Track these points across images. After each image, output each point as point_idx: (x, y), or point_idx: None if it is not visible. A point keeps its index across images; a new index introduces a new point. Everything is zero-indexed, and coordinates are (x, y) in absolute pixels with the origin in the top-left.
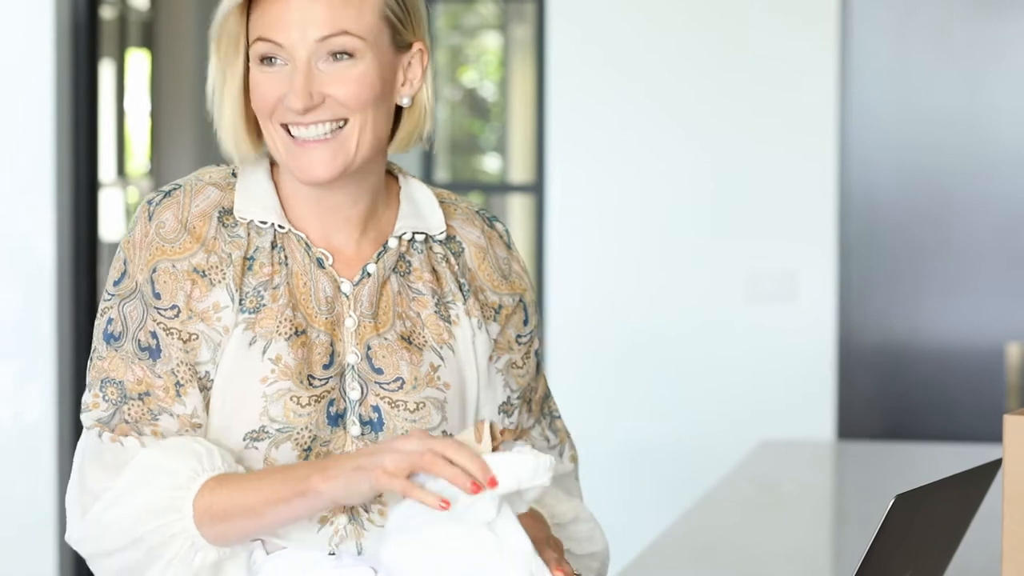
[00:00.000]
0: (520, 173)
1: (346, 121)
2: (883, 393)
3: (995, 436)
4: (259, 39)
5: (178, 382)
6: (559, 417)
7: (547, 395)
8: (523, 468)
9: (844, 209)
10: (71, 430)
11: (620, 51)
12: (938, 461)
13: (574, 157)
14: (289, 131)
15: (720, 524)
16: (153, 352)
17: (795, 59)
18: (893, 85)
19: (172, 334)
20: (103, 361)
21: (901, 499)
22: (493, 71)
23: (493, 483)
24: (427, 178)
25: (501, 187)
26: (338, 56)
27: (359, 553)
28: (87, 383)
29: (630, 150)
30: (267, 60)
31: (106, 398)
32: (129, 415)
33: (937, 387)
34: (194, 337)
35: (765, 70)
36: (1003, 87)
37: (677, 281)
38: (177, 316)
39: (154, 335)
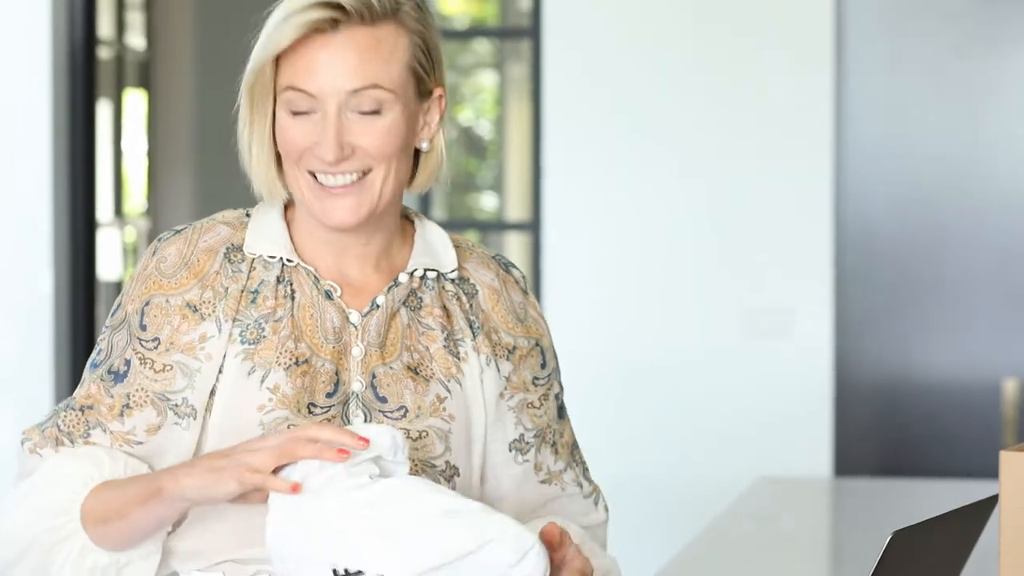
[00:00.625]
0: (516, 211)
1: (371, 169)
2: (880, 428)
3: (992, 472)
4: (290, 88)
5: (127, 404)
6: (588, 469)
7: (575, 444)
8: (382, 438)
9: (840, 244)
10: None
11: (616, 89)
12: (935, 497)
13: (570, 194)
14: (315, 176)
15: (719, 561)
16: (119, 376)
17: (790, 95)
18: (888, 120)
19: (146, 364)
20: (80, 387)
21: (898, 536)
22: (489, 109)
23: (365, 441)
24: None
25: (498, 225)
26: (369, 112)
27: None
28: None
29: (626, 187)
30: (297, 109)
31: (51, 413)
32: (63, 422)
33: (934, 422)
34: (168, 368)
35: (761, 106)
36: (998, 123)
37: (673, 317)
38: (156, 348)
39: (127, 362)
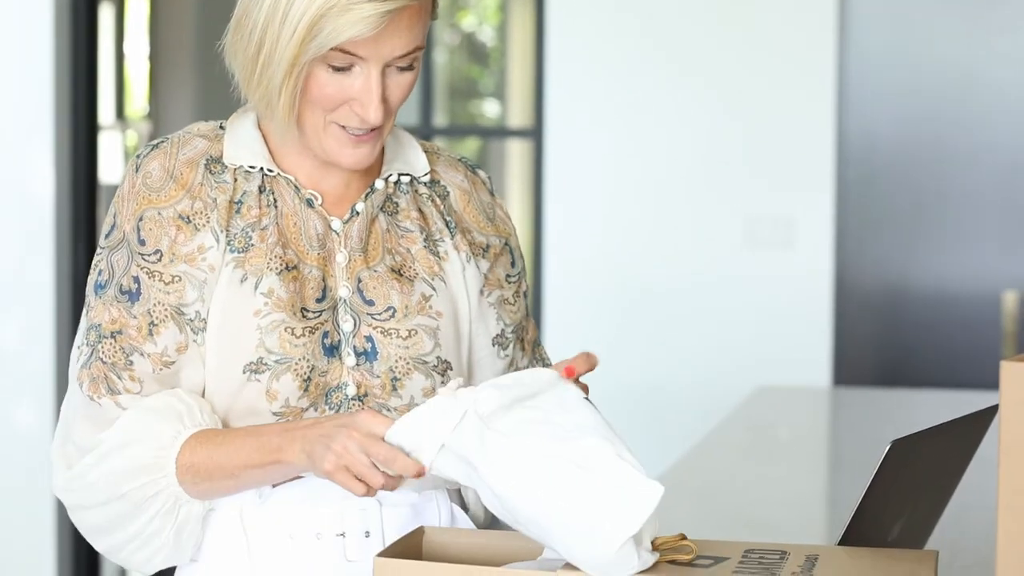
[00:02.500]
0: (518, 118)
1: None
2: (880, 340)
3: (991, 383)
4: (339, 49)
5: (152, 322)
6: (550, 364)
7: (538, 341)
8: (433, 414)
9: (842, 156)
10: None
11: None
12: (934, 407)
13: (573, 102)
14: (340, 124)
15: (717, 469)
16: (132, 295)
17: (794, 5)
18: (893, 31)
19: (154, 277)
20: (91, 311)
21: (897, 444)
22: (492, 15)
23: (421, 472)
24: (425, 123)
25: (499, 132)
26: (405, 68)
27: None
28: (76, 339)
29: (629, 95)
30: (337, 65)
31: (88, 343)
32: (104, 354)
33: (934, 334)
34: (177, 279)
35: (764, 18)
36: (1004, 35)
37: (675, 226)
38: (160, 260)
39: (136, 279)
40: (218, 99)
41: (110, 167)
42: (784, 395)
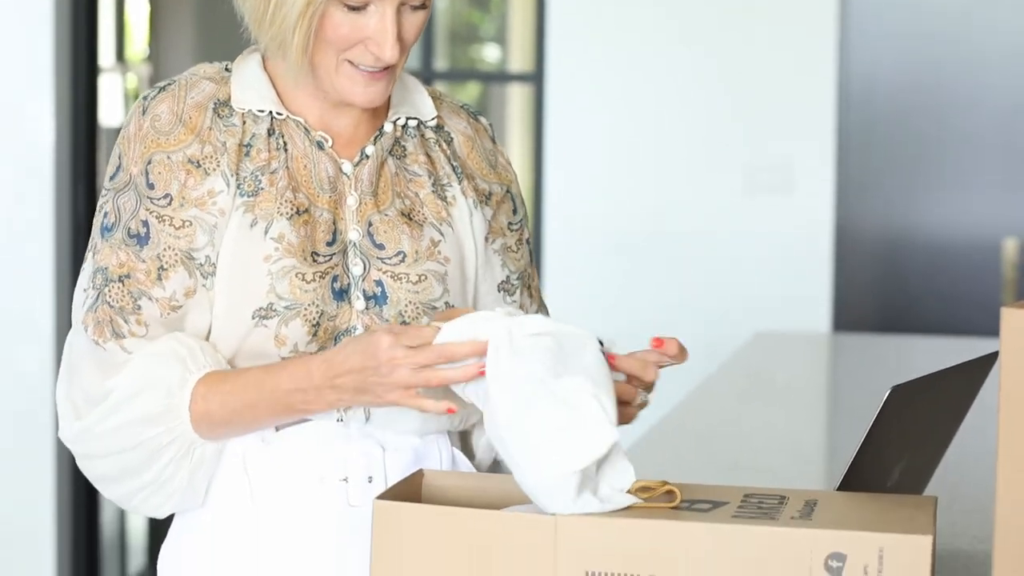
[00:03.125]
0: (519, 63)
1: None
2: (879, 286)
3: (990, 330)
4: None
5: (161, 266)
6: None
7: (539, 289)
8: (478, 322)
9: (843, 100)
10: (67, 312)
11: None
12: (934, 354)
13: (574, 46)
14: (353, 62)
15: (716, 414)
16: (141, 239)
17: None
18: None
19: (164, 221)
20: (97, 254)
21: (897, 390)
22: None
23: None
24: (426, 67)
25: (500, 76)
26: (418, 7)
27: (367, 419)
28: (79, 281)
29: (630, 39)
30: (353, 4)
31: (94, 286)
32: (111, 298)
33: (933, 281)
34: (187, 224)
35: None
36: None
37: (675, 171)
38: (170, 204)
39: (145, 223)
40: (218, 41)
41: (110, 109)
42: (783, 341)
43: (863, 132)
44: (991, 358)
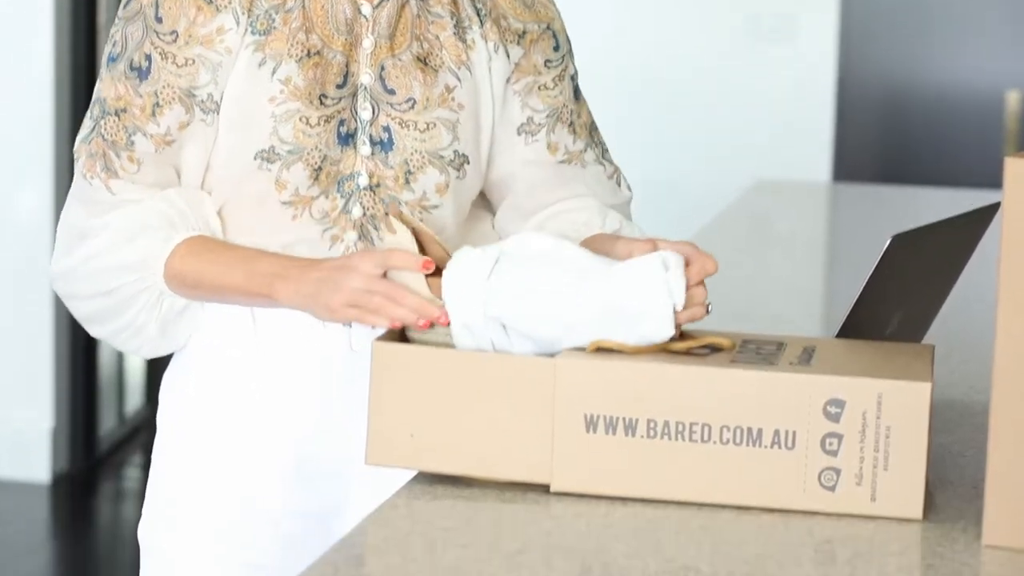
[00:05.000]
0: None
1: None
2: (881, 136)
3: (991, 182)
4: None
5: (157, 103)
6: (607, 150)
7: (594, 126)
8: (472, 262)
9: None
10: (68, 148)
11: None
12: (935, 205)
13: None
14: None
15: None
16: (142, 72)
17: None
18: None
19: (167, 58)
20: (101, 82)
21: (898, 238)
22: None
23: (445, 322)
24: None
25: None
26: None
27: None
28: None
29: None
30: None
31: (91, 117)
32: (106, 131)
33: (935, 132)
34: (190, 62)
35: None
36: None
37: (678, 19)
38: (175, 41)
39: (148, 57)
40: None
41: None
42: (784, 189)
43: None
44: (992, 209)
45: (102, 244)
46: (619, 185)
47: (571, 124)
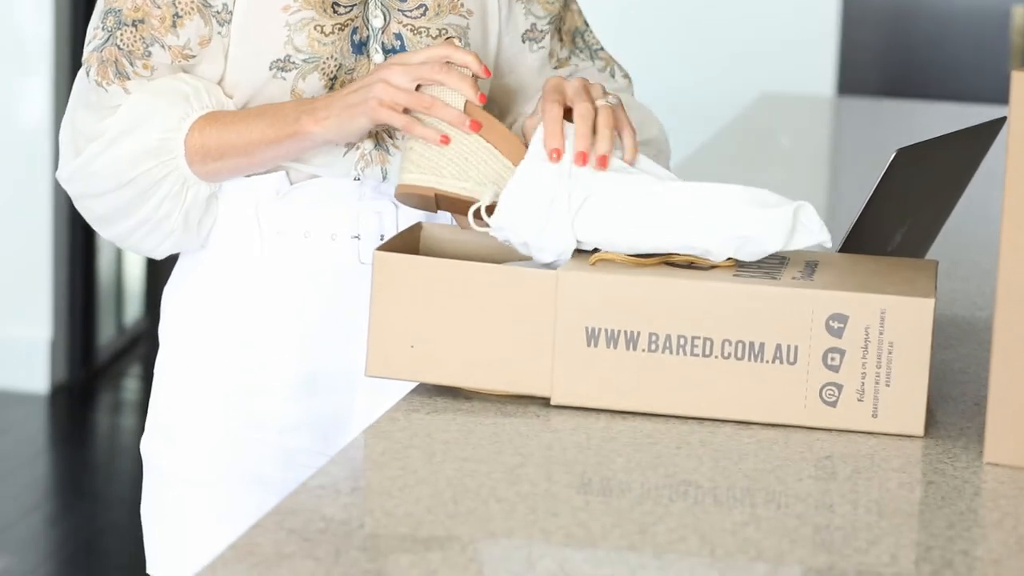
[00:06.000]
0: None
1: None
2: (886, 51)
3: (996, 97)
4: None
5: (176, 13)
6: (602, 48)
7: (584, 29)
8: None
9: None
10: (67, 48)
11: None
12: (940, 119)
13: None
14: None
15: (717, 175)
16: None
17: None
18: None
19: None
20: None
21: (903, 152)
22: None
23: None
24: None
25: None
26: None
27: (384, 178)
28: (91, 20)
29: None
30: None
31: (105, 27)
32: (122, 41)
33: (940, 47)
34: None
35: None
36: None
37: None
38: None
39: None
40: None
41: None
42: (787, 102)
43: None
44: (997, 124)
45: (114, 133)
46: (612, 76)
47: (559, 31)
